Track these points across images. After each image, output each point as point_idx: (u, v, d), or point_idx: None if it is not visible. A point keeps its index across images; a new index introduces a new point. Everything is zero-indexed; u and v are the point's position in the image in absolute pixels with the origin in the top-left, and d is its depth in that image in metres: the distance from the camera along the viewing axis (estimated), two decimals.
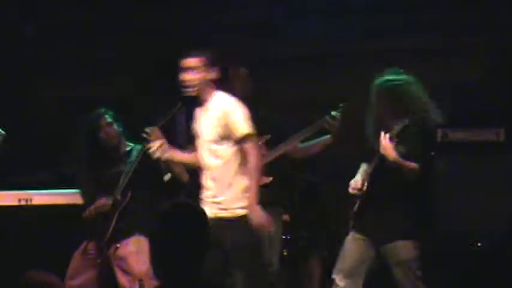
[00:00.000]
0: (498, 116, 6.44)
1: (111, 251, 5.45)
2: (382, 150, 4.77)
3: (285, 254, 6.12)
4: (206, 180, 4.93)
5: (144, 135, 5.25)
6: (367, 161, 5.15)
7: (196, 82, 4.79)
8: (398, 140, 4.71)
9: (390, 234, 4.87)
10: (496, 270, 5.64)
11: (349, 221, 5.17)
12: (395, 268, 4.89)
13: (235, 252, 4.80)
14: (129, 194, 5.58)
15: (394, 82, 4.94)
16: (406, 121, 4.76)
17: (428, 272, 5.12)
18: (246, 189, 4.80)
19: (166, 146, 5.17)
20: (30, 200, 6.00)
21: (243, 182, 4.81)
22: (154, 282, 5.12)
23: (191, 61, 4.80)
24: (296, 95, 6.86)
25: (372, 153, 4.97)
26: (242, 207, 4.78)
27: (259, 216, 4.77)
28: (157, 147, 5.13)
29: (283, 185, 5.80)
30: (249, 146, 4.85)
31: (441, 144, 5.96)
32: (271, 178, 5.57)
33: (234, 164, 4.87)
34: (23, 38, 7.04)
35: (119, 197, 5.55)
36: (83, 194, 5.71)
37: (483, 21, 6.76)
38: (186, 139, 6.09)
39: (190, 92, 4.84)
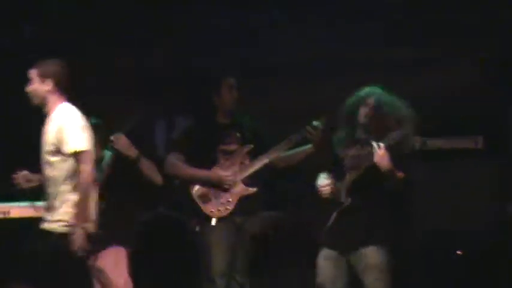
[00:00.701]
0: (477, 125, 6.48)
1: (90, 262, 5.14)
2: (378, 159, 4.70)
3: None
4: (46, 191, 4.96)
5: (111, 143, 5.31)
6: (330, 170, 5.01)
7: (32, 93, 4.78)
8: (390, 151, 4.70)
9: (365, 239, 4.79)
10: (475, 270, 5.64)
11: (321, 234, 5.04)
12: (366, 274, 4.76)
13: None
14: (104, 204, 5.29)
15: (392, 97, 4.90)
16: (400, 134, 4.71)
17: (409, 271, 5.44)
18: (73, 206, 4.73)
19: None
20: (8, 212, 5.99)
21: (72, 197, 4.72)
22: None
23: (30, 72, 4.80)
24: (281, 104, 6.82)
25: (336, 163, 4.95)
26: (62, 224, 4.75)
27: (75, 238, 4.65)
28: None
29: (265, 194, 5.71)
30: (80, 162, 4.77)
31: (423, 152, 5.98)
32: (255, 189, 5.52)
33: (65, 178, 4.79)
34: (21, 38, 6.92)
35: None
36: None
37: (463, 35, 6.74)
38: (165, 148, 6.43)
39: (33, 101, 4.84)
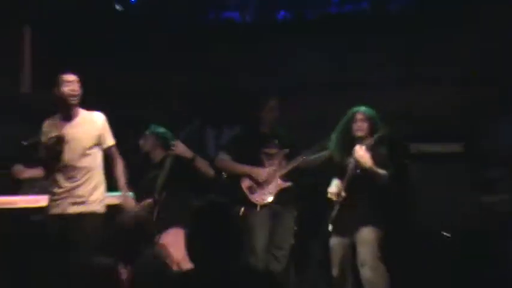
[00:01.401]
0: (457, 134, 6.83)
1: (155, 240, 5.71)
2: (359, 158, 5.33)
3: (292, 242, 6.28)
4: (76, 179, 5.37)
5: (171, 147, 5.81)
6: (335, 175, 5.66)
7: (78, 95, 5.27)
8: (371, 151, 5.29)
9: (361, 223, 5.39)
10: (456, 254, 5.96)
11: (329, 224, 5.63)
12: (360, 247, 5.40)
13: None
14: (165, 194, 5.88)
15: (372, 111, 5.56)
16: (376, 137, 5.36)
17: (403, 254, 5.83)
18: (123, 184, 5.47)
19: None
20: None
21: (102, 181, 5.43)
22: (189, 265, 5.66)
23: (73, 77, 5.27)
24: (306, 116, 7.21)
25: (340, 168, 5.57)
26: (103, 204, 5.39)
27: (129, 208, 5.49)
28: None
29: (296, 188, 6.17)
30: (116, 151, 5.49)
31: (415, 156, 6.53)
32: (290, 184, 6.11)
33: (99, 166, 5.41)
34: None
35: (157, 196, 5.84)
36: (136, 195, 5.85)
37: (444, 58, 7.21)
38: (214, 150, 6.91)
39: (75, 102, 5.32)
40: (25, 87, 6.40)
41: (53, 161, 5.24)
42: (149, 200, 5.83)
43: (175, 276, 5.60)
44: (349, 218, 5.48)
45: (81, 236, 5.22)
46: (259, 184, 6.18)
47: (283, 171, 6.13)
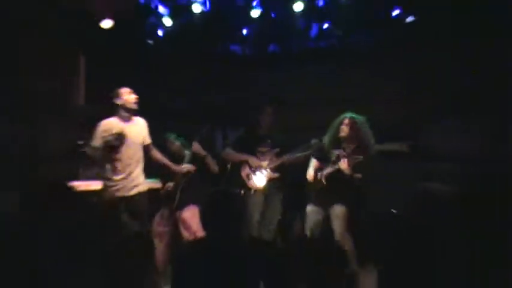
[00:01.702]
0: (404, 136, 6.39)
1: (177, 215, 6.08)
2: (342, 167, 5.55)
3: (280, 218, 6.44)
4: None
5: (189, 147, 6.14)
6: (316, 155, 5.87)
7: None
8: (353, 165, 5.51)
9: (335, 203, 5.68)
10: (401, 230, 5.68)
11: (307, 199, 5.88)
12: (334, 220, 5.65)
13: None
14: (185, 180, 6.16)
15: (362, 119, 5.69)
16: (361, 158, 5.47)
17: (363, 227, 5.88)
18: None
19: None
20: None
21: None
22: (202, 233, 5.79)
23: (129, 89, 5.58)
24: (294, 122, 7.05)
25: (325, 156, 5.80)
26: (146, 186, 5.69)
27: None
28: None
29: (282, 178, 6.31)
30: (153, 147, 5.86)
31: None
32: (278, 175, 6.26)
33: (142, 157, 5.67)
34: None
35: (178, 181, 6.15)
36: (162, 182, 6.20)
37: (392, 80, 7.35)
38: (221, 147, 7.01)
39: (134, 108, 5.60)
40: (80, 100, 6.49)
41: (111, 152, 5.46)
42: (171, 184, 6.11)
43: (191, 241, 5.81)
44: (326, 197, 5.76)
45: (139, 210, 5.57)
46: (254, 173, 6.23)
47: (272, 165, 6.26)
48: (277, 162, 6.28)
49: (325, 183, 5.74)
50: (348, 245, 5.62)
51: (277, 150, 6.30)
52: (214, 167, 6.26)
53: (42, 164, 6.28)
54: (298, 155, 6.20)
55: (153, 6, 7.27)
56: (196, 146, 6.22)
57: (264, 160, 6.29)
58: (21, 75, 6.13)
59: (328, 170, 5.73)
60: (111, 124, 5.59)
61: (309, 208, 5.86)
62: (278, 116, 6.33)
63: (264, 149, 6.34)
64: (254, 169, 6.27)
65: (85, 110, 6.68)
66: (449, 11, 6.34)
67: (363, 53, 7.62)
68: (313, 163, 5.92)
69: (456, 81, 6.71)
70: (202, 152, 6.22)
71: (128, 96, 5.61)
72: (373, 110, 6.20)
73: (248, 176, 6.25)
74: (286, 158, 6.22)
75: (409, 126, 6.98)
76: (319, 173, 5.80)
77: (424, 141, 7.10)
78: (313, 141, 6.03)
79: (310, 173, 5.86)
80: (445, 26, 6.60)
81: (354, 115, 5.72)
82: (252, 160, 6.27)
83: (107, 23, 6.39)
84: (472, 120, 6.85)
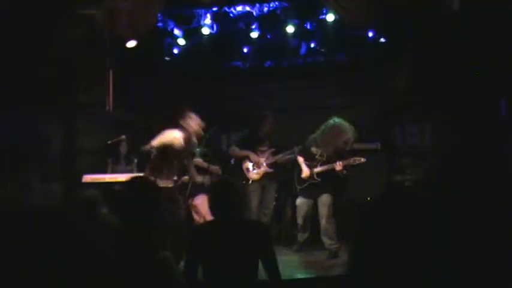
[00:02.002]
0: (377, 137, 6.92)
1: (189, 202, 6.24)
2: (338, 168, 5.60)
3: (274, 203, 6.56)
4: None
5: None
6: (300, 153, 5.88)
7: None
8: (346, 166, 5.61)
9: (322, 192, 5.78)
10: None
11: (297, 191, 5.94)
12: (321, 207, 5.75)
13: None
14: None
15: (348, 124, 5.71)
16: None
17: (343, 213, 5.88)
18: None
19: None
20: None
21: None
22: (211, 217, 5.60)
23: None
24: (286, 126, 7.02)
25: (312, 155, 5.83)
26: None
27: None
28: None
29: (276, 172, 6.37)
30: None
31: (352, 151, 6.10)
32: (272, 170, 6.31)
33: None
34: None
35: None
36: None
37: (368, 89, 7.35)
38: (225, 146, 7.10)
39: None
40: (109, 107, 6.49)
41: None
42: (185, 177, 6.10)
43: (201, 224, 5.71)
44: (314, 189, 5.86)
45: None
46: (253, 167, 6.30)
47: (269, 161, 6.32)
48: (273, 159, 6.35)
49: (318, 179, 5.79)
50: (332, 227, 5.72)
51: (273, 149, 6.38)
52: (217, 172, 6.35)
53: (79, 158, 6.35)
54: (287, 157, 6.30)
55: (169, 29, 7.36)
56: (199, 161, 6.24)
57: (263, 157, 6.36)
58: (64, 86, 6.26)
59: (322, 168, 5.78)
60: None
61: (299, 200, 5.94)
62: (275, 123, 6.42)
63: (263, 148, 6.40)
64: (253, 164, 6.34)
65: (113, 115, 6.68)
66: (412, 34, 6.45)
67: (343, 67, 7.67)
68: (301, 160, 5.98)
69: (418, 91, 6.75)
70: (205, 165, 6.29)
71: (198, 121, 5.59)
72: (351, 116, 6.21)
73: (248, 169, 6.33)
74: (278, 157, 6.31)
75: (381, 128, 7.07)
76: (312, 170, 5.85)
77: (395, 140, 7.25)
78: (296, 148, 6.14)
79: (306, 170, 5.89)
80: (408, 46, 6.71)
81: (341, 121, 5.76)
82: (253, 156, 6.34)
83: (131, 43, 6.45)
84: (433, 123, 6.96)
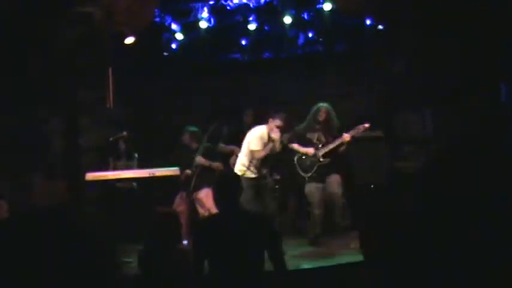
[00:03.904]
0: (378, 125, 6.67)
1: (194, 196, 6.28)
2: (346, 139, 5.66)
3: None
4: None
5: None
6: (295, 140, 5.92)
7: None
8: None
9: (331, 173, 5.84)
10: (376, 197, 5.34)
11: (305, 180, 5.92)
12: (333, 186, 5.81)
13: None
14: (199, 168, 6.25)
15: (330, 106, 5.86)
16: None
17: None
18: None
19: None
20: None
21: None
22: (215, 210, 5.28)
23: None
24: None
25: (308, 140, 5.87)
26: None
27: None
28: None
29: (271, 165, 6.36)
30: None
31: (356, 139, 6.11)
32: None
33: None
34: None
35: (194, 169, 6.26)
36: (180, 169, 6.06)
37: (369, 79, 7.41)
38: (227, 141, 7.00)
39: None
40: (109, 104, 6.53)
41: None
42: (188, 171, 6.18)
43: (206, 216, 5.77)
44: (323, 171, 5.86)
45: None
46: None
47: None
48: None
49: (325, 160, 5.80)
50: (343, 206, 5.81)
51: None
52: (218, 168, 6.28)
53: (82, 154, 6.42)
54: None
55: (167, 24, 7.38)
56: (201, 159, 6.22)
57: None
58: (64, 84, 6.29)
59: (329, 147, 5.82)
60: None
61: (308, 188, 5.90)
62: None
63: None
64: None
65: (113, 112, 6.73)
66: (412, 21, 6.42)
67: (342, 56, 7.68)
68: (296, 145, 5.99)
69: (417, 80, 6.76)
70: (207, 163, 6.25)
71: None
72: (353, 104, 6.46)
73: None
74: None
75: (384, 116, 7.05)
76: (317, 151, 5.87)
77: (397, 129, 7.22)
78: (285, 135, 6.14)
79: (309, 150, 5.90)
80: (408, 33, 6.68)
81: (326, 105, 5.89)
82: (237, 150, 6.36)
83: (129, 40, 6.46)
84: (433, 110, 6.90)
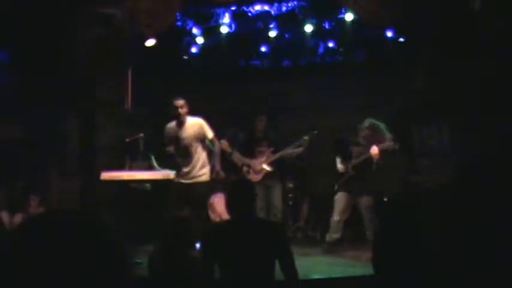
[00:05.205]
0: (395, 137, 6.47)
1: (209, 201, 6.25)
2: (373, 152, 5.61)
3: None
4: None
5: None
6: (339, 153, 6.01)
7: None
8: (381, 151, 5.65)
9: (363, 192, 5.76)
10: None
11: (335, 186, 5.93)
12: (363, 198, 5.74)
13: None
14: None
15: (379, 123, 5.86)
16: (397, 145, 5.69)
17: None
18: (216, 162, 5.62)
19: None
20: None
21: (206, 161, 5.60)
22: (227, 216, 5.39)
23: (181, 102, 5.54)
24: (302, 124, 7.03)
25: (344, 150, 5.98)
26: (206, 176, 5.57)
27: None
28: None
29: (279, 170, 6.40)
30: (215, 142, 5.63)
31: None
32: (273, 169, 6.30)
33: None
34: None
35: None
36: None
37: (385, 90, 7.27)
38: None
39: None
40: (127, 105, 6.60)
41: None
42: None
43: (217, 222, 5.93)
44: (354, 184, 5.80)
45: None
46: (253, 169, 6.31)
47: (269, 160, 6.30)
48: (274, 157, 6.31)
49: (352, 172, 5.80)
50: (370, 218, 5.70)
51: (271, 148, 6.35)
52: (239, 161, 6.31)
53: (98, 154, 6.42)
54: (294, 150, 6.26)
55: (188, 27, 7.40)
56: (224, 144, 6.19)
57: (261, 158, 6.33)
58: (84, 84, 6.34)
59: (357, 160, 5.80)
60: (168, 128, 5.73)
61: (337, 196, 5.90)
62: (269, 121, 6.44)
63: (261, 149, 6.40)
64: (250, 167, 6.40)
65: (131, 113, 6.77)
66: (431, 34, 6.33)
67: (361, 67, 7.63)
68: (339, 160, 6.01)
69: (436, 93, 6.68)
70: (229, 150, 6.25)
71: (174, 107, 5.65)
72: (372, 115, 6.19)
73: (247, 171, 6.34)
74: (280, 154, 6.27)
75: (400, 129, 6.85)
76: (348, 164, 5.87)
77: (413, 142, 7.14)
78: (304, 138, 6.10)
79: (340, 166, 5.94)
80: (427, 46, 6.63)
81: (373, 120, 5.84)
82: (253, 164, 6.36)
83: (150, 42, 6.47)
84: (452, 123, 6.85)
